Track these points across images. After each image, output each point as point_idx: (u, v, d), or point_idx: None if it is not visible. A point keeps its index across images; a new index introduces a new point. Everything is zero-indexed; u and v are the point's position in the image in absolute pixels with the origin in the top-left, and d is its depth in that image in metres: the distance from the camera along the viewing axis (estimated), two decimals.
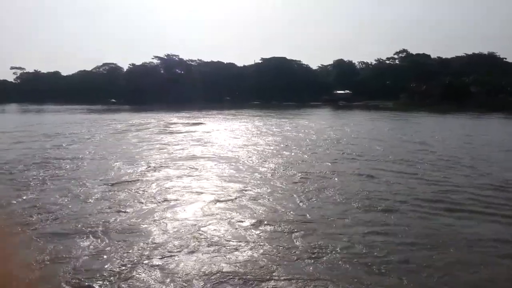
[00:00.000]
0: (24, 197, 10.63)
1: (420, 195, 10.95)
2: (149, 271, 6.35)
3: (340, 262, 6.66)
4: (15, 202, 10.18)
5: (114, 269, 6.38)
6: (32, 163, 15.67)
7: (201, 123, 36.86)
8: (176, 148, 20.44)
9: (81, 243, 7.48)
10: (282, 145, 21.48)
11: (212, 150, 19.64)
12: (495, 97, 49.99)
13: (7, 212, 9.41)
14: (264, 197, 10.79)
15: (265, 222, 8.64)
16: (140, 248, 7.22)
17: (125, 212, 9.39)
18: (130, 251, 7.13)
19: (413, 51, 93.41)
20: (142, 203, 10.18)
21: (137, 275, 6.22)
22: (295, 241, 7.60)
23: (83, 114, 54.10)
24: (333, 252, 7.08)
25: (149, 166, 15.27)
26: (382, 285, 5.92)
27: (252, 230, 8.16)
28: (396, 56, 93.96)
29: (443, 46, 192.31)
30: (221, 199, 10.56)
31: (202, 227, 8.34)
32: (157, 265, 6.56)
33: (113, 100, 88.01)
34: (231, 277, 6.16)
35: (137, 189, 11.70)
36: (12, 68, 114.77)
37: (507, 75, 61.78)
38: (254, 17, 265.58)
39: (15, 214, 9.23)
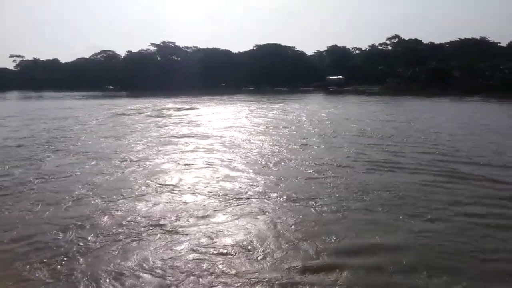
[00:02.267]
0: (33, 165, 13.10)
1: (371, 158, 13.48)
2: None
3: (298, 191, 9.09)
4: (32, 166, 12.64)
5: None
6: (41, 141, 18.17)
7: (194, 108, 38.98)
8: (167, 128, 22.82)
9: (75, 191, 9.92)
10: (262, 126, 23.76)
11: (200, 130, 21.99)
12: (475, 81, 52.15)
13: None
14: (235, 161, 13.21)
15: (224, 177, 11.08)
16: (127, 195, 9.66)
17: (112, 172, 11.84)
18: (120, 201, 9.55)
19: (407, 36, 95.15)
20: (123, 167, 12.63)
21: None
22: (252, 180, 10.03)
23: (82, 100, 56.25)
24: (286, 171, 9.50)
25: (146, 142, 17.70)
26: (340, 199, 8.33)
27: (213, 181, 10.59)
28: (388, 42, 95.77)
29: (439, 32, 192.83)
30: (198, 165, 13.00)
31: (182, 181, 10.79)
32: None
33: (111, 87, 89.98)
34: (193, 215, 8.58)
35: (127, 159, 14.13)
36: (11, 56, 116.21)
37: (494, 59, 63.27)
38: (250, 4, 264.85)
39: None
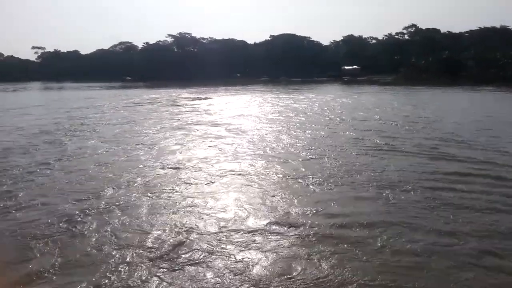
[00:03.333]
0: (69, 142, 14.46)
1: (369, 143, 14.39)
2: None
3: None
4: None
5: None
6: (63, 127, 19.67)
7: (208, 98, 40.09)
8: (180, 116, 24.02)
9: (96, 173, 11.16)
10: (272, 115, 24.70)
11: (211, 119, 23.10)
12: (488, 72, 51.67)
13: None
14: (239, 145, 14.29)
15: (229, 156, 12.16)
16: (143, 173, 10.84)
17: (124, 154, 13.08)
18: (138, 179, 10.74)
19: (426, 25, 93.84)
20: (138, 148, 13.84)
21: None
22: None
23: (101, 90, 58.08)
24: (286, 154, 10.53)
25: (160, 128, 18.96)
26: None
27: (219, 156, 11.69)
28: (405, 31, 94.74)
29: (461, 20, 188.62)
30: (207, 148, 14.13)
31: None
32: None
33: (128, 78, 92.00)
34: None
35: (143, 141, 15.36)
36: (33, 47, 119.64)
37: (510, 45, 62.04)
38: None
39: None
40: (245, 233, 6.88)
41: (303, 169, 11.03)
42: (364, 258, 5.96)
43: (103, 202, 8.48)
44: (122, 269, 5.68)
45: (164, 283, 5.34)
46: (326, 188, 9.41)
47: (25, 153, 13.63)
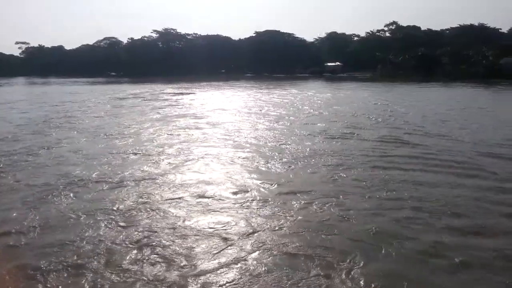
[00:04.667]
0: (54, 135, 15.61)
1: (334, 132, 15.86)
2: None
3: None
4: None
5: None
6: (47, 120, 20.75)
7: (191, 93, 41.22)
8: (161, 110, 25.22)
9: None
10: (251, 109, 26.05)
11: (191, 112, 24.36)
12: (459, 68, 54.04)
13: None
14: (210, 135, 15.64)
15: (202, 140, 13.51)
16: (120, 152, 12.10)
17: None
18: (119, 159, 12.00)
19: (408, 23, 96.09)
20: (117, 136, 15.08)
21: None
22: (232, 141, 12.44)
23: (85, 85, 58.66)
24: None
25: (140, 121, 20.17)
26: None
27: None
28: (386, 28, 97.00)
29: (442, 19, 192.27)
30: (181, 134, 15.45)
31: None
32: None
33: (113, 73, 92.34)
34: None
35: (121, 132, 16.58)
36: (17, 43, 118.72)
37: (485, 45, 64.32)
38: None
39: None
40: (206, 198, 8.23)
41: (268, 153, 12.42)
42: (300, 216, 7.35)
43: (75, 180, 9.70)
44: (92, 229, 6.97)
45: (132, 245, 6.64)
46: (284, 167, 10.79)
47: (10, 142, 14.77)
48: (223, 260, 5.78)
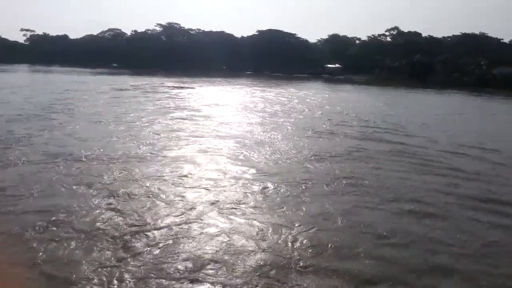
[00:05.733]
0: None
1: (320, 129, 16.96)
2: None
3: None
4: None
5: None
6: (49, 105, 21.90)
7: (190, 87, 42.23)
8: (159, 102, 26.33)
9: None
10: (244, 105, 27.16)
11: (186, 105, 25.46)
12: (452, 76, 55.27)
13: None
14: (202, 127, 16.75)
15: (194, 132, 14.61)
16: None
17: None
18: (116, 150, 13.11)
19: (409, 29, 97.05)
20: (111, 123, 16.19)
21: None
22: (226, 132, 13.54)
23: (88, 75, 59.67)
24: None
25: (135, 110, 21.28)
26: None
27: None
28: (387, 33, 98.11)
29: (445, 26, 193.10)
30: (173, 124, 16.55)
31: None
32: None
33: (115, 64, 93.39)
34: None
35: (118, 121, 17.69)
36: (22, 30, 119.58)
37: (487, 53, 65.41)
38: None
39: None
40: (181, 176, 9.36)
41: (256, 149, 13.48)
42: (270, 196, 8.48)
43: (68, 158, 10.85)
44: (75, 197, 8.09)
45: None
46: (266, 159, 11.90)
47: (15, 123, 15.89)
48: (184, 219, 6.93)
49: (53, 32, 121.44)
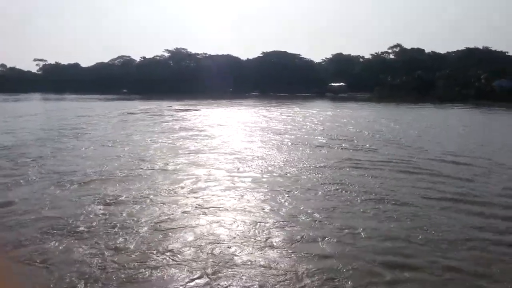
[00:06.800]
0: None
1: (315, 142, 17.93)
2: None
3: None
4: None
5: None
6: (62, 130, 23.26)
7: (197, 110, 43.65)
8: (165, 124, 27.63)
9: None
10: (247, 123, 28.29)
11: (190, 125, 26.70)
12: (452, 90, 56.12)
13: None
14: (205, 145, 17.83)
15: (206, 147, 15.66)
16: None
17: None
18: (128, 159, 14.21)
19: (414, 45, 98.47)
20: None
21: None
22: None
23: (99, 101, 61.79)
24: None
25: (141, 132, 22.51)
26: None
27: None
28: (390, 51, 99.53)
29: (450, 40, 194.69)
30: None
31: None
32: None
33: (125, 90, 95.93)
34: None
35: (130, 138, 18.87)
36: (35, 60, 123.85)
37: (491, 66, 66.06)
38: (264, 12, 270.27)
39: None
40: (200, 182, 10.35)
41: (251, 160, 14.47)
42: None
43: (80, 174, 11.95)
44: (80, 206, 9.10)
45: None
46: (260, 171, 12.87)
47: (29, 147, 17.14)
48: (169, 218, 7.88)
49: (64, 61, 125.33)
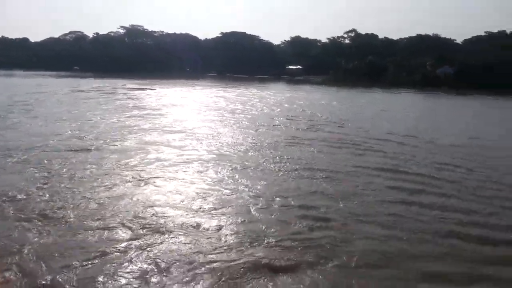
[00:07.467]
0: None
1: (268, 123, 18.77)
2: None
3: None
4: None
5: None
6: (8, 106, 22.72)
7: (152, 89, 43.29)
8: (118, 102, 27.52)
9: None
10: (201, 104, 28.74)
11: (145, 104, 26.80)
12: (400, 76, 59.49)
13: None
14: (157, 123, 18.26)
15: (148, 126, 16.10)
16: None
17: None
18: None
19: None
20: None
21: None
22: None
23: (49, 78, 59.51)
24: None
25: (92, 110, 22.49)
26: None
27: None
28: (345, 35, 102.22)
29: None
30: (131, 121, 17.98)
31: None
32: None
33: (77, 68, 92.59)
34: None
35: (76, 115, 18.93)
36: None
37: (439, 53, 69.72)
38: None
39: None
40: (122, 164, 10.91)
41: (203, 138, 15.11)
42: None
43: (24, 148, 12.19)
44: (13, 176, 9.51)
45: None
46: (210, 148, 13.60)
47: None
48: (110, 193, 8.54)
49: (12, 35, 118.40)
